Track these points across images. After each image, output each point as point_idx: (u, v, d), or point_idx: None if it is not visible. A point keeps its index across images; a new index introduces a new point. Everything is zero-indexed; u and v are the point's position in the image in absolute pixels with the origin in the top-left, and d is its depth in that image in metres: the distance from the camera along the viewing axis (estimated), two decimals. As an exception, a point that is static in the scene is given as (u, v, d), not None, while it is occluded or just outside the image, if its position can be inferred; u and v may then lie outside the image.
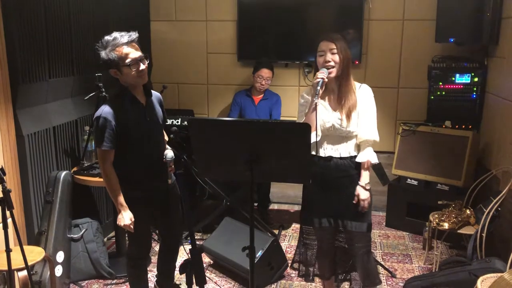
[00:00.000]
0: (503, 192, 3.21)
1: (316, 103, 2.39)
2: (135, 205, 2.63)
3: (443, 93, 4.25)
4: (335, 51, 2.47)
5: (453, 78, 4.20)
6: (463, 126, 4.12)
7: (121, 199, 2.56)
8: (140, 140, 2.59)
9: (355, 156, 2.59)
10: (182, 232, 3.18)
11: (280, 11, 4.65)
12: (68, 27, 3.54)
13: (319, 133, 2.52)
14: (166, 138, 2.88)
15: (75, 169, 3.54)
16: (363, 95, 2.57)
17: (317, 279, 3.44)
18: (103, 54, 2.46)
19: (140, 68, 2.48)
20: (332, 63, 2.47)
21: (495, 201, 3.21)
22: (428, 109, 4.36)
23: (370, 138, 2.55)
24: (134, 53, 2.46)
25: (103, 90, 3.43)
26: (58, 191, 3.27)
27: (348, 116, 2.50)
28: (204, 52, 4.94)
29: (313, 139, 2.48)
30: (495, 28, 3.83)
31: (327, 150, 2.58)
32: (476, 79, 4.14)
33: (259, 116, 4.40)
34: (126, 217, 2.56)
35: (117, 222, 2.58)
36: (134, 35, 2.49)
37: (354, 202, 2.54)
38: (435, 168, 4.08)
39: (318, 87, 2.40)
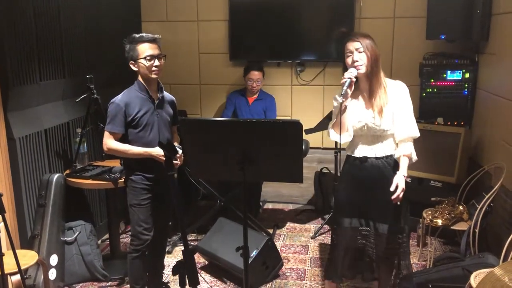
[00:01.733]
0: (495, 188, 3.23)
1: (343, 103, 2.38)
2: (139, 193, 2.82)
3: (435, 90, 4.26)
4: (361, 50, 2.46)
5: (445, 75, 4.21)
6: (455, 123, 4.13)
7: (139, 149, 2.74)
8: (147, 132, 2.78)
9: (391, 156, 2.57)
10: (169, 230, 3.24)
11: (271, 10, 4.66)
12: (58, 29, 3.52)
13: (351, 133, 2.51)
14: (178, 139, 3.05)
15: (67, 171, 3.52)
16: (397, 91, 2.55)
17: (313, 279, 3.45)
18: (126, 48, 2.76)
19: (155, 64, 2.73)
20: (360, 62, 2.46)
21: (487, 197, 3.23)
22: (420, 106, 4.37)
23: (410, 135, 2.54)
24: (152, 50, 2.73)
25: (95, 92, 3.42)
26: (51, 194, 3.25)
27: (380, 113, 2.49)
28: (196, 52, 4.93)
29: (345, 139, 2.49)
30: (485, 24, 3.85)
31: (362, 151, 2.57)
32: (467, 76, 4.16)
33: (253, 116, 4.40)
34: (156, 151, 2.69)
35: (154, 156, 2.73)
36: (157, 35, 2.79)
37: (391, 190, 2.45)
38: (428, 165, 4.08)
39: (345, 87, 2.39)
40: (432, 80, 4.25)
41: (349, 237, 2.65)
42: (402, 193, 2.45)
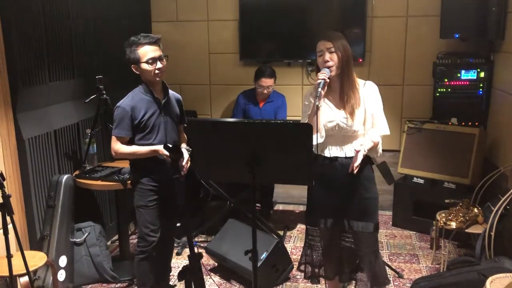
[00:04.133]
0: (511, 190, 3.15)
1: (317, 105, 2.34)
2: (146, 194, 2.80)
3: (449, 89, 4.19)
4: (332, 49, 2.43)
5: (459, 75, 4.14)
6: (470, 123, 4.05)
7: (146, 148, 2.72)
8: (153, 134, 2.76)
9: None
10: (177, 231, 3.19)
11: (282, 9, 4.61)
12: (68, 30, 3.52)
13: (323, 134, 2.49)
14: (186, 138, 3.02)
15: (77, 172, 3.52)
16: (368, 92, 2.53)
17: (322, 281, 3.40)
18: (127, 51, 2.72)
19: (157, 66, 2.69)
20: (331, 63, 2.44)
21: (503, 199, 3.15)
22: (434, 106, 4.30)
23: (381, 133, 2.53)
24: (153, 52, 2.69)
25: (104, 92, 3.40)
26: (60, 195, 3.24)
27: (352, 114, 2.47)
28: (206, 52, 4.91)
29: (318, 141, 2.45)
30: (500, 22, 3.77)
31: (332, 151, 2.54)
32: (482, 75, 4.07)
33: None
34: (161, 148, 2.64)
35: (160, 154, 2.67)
36: (157, 36, 2.75)
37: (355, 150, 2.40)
38: (441, 166, 4.02)
39: (319, 89, 2.37)
40: (446, 80, 4.17)
41: (324, 238, 2.64)
42: (356, 168, 2.37)
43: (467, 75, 4.12)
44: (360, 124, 2.50)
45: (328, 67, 2.43)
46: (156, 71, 2.70)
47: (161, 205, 2.85)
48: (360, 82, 2.56)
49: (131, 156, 2.77)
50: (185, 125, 2.99)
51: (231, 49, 4.81)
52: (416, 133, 4.19)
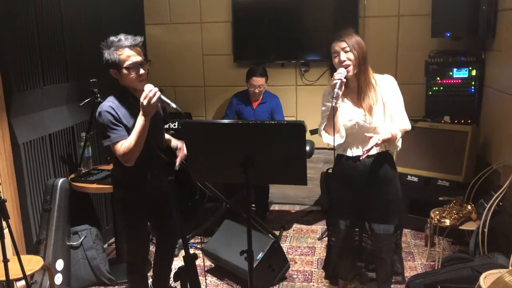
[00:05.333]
0: (504, 187, 3.18)
1: (334, 106, 2.34)
2: (131, 207, 2.64)
3: (441, 88, 4.22)
4: (347, 49, 2.42)
5: (451, 73, 4.17)
6: (462, 121, 4.08)
7: (137, 125, 2.39)
8: None
9: (383, 152, 2.54)
10: (178, 235, 3.15)
11: (275, 10, 4.63)
12: (61, 33, 3.52)
13: (343, 134, 2.48)
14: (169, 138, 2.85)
15: (72, 176, 3.52)
16: (386, 86, 2.53)
17: (320, 281, 3.42)
18: (105, 53, 2.45)
19: (140, 73, 2.46)
20: (348, 62, 2.42)
21: (496, 195, 3.18)
22: (426, 104, 4.33)
23: (402, 128, 2.52)
24: (135, 56, 2.45)
25: (98, 95, 3.41)
26: (56, 199, 3.25)
27: (370, 111, 2.46)
28: (200, 54, 4.92)
29: (338, 141, 2.46)
30: (491, 21, 3.80)
31: (354, 150, 2.54)
32: (473, 73, 4.10)
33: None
34: (143, 96, 2.36)
35: (150, 100, 2.35)
36: (139, 39, 2.49)
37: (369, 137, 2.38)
38: (435, 164, 4.05)
39: (336, 89, 2.34)
40: (438, 78, 4.20)
41: (345, 239, 2.64)
42: (367, 152, 2.40)
43: (459, 74, 4.15)
44: (380, 120, 2.48)
45: (346, 67, 2.41)
46: (139, 78, 2.45)
47: (154, 214, 2.75)
48: (377, 77, 2.54)
49: (137, 144, 2.39)
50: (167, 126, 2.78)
51: (225, 51, 4.83)
52: (409, 131, 4.21)
